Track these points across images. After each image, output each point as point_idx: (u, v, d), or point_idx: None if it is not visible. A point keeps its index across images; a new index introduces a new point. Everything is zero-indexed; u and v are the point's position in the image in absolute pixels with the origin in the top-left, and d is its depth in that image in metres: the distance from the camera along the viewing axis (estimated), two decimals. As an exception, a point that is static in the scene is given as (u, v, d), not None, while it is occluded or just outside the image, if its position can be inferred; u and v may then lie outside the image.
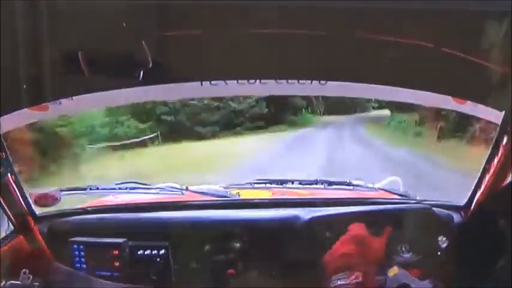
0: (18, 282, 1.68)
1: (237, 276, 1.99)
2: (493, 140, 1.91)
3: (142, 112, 10.83)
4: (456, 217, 2.09)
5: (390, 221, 1.94)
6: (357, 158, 8.75)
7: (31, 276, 1.67)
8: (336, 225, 1.96)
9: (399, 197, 2.23)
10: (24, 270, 1.66)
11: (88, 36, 1.30)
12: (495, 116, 1.81)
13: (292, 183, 2.35)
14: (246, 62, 1.61)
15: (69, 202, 2.19)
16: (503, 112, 1.77)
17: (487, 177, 1.95)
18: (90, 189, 2.16)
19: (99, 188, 2.21)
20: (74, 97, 1.72)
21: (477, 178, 2.03)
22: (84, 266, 1.94)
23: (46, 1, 1.18)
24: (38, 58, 1.32)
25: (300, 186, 2.34)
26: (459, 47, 1.42)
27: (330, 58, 1.57)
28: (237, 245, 2.00)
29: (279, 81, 1.76)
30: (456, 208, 2.13)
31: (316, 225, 2.00)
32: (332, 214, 2.04)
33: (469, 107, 1.82)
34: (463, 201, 2.13)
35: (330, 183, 2.31)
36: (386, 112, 13.18)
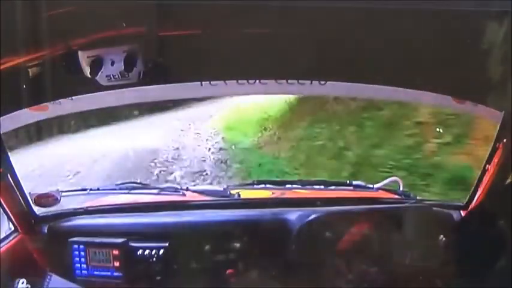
0: None
1: (237, 276, 1.99)
2: (493, 140, 1.91)
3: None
4: (456, 217, 2.09)
5: (390, 221, 1.94)
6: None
7: (29, 286, 1.66)
8: (336, 225, 1.96)
9: (399, 197, 2.23)
10: (22, 280, 1.65)
11: (88, 36, 1.31)
12: (495, 116, 1.81)
13: (292, 183, 2.35)
14: (246, 62, 1.61)
15: (69, 202, 2.19)
16: (503, 112, 1.77)
17: (487, 177, 1.95)
18: (91, 189, 2.16)
19: (100, 188, 2.22)
20: (74, 97, 1.72)
21: (477, 178, 2.03)
22: (85, 266, 1.94)
23: (46, 1, 1.18)
24: (38, 58, 1.32)
25: (300, 186, 2.34)
26: (459, 47, 1.42)
27: (330, 58, 1.57)
28: (237, 245, 2.00)
29: (279, 81, 1.76)
30: (456, 208, 2.13)
31: (316, 225, 1.99)
32: (332, 214, 2.04)
33: (469, 107, 1.82)
34: (463, 201, 2.14)
35: (330, 184, 2.31)
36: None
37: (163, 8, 1.24)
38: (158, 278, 1.95)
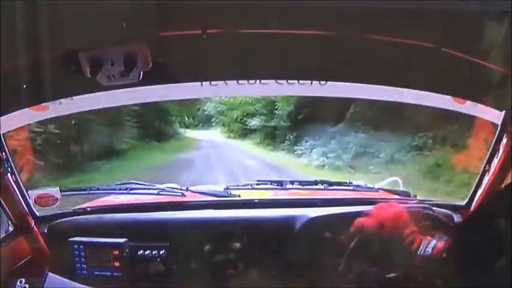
0: None
1: (237, 276, 1.99)
2: (493, 140, 1.91)
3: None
4: (456, 217, 2.08)
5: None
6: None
7: (27, 286, 1.65)
8: (336, 225, 1.96)
9: (399, 197, 2.23)
10: (20, 279, 1.64)
11: (88, 36, 1.30)
12: (495, 116, 1.81)
13: (292, 183, 2.35)
14: (246, 62, 1.61)
15: (69, 202, 2.19)
16: (503, 112, 1.77)
17: (487, 177, 1.95)
18: (91, 189, 2.16)
19: (100, 188, 2.21)
20: (74, 97, 1.72)
21: (477, 178, 2.03)
22: (85, 266, 1.93)
23: (46, 1, 1.17)
24: (38, 58, 1.31)
25: (300, 186, 2.34)
26: (459, 47, 1.42)
27: (330, 58, 1.57)
28: (237, 245, 2.00)
29: (279, 81, 1.76)
30: (456, 208, 2.13)
31: (316, 225, 1.99)
32: (332, 214, 2.03)
33: (469, 107, 1.82)
34: (463, 201, 2.14)
35: (330, 184, 2.30)
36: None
37: (164, 8, 1.24)
38: (158, 278, 1.95)
